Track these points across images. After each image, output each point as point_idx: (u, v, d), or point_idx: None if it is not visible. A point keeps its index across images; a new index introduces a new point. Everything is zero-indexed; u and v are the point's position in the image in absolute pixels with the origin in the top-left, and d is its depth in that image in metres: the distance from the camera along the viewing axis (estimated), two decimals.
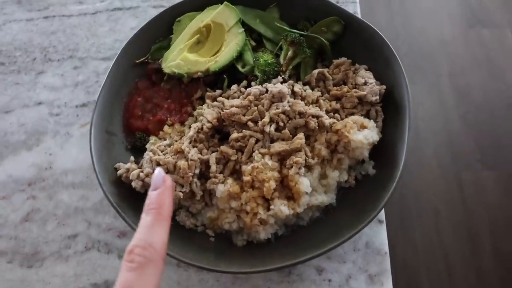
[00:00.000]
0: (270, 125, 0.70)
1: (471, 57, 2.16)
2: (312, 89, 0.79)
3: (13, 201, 0.83)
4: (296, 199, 0.67)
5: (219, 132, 0.75)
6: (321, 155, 0.71)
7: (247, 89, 0.75)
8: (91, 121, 0.75)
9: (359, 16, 0.93)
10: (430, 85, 2.09)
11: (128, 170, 0.72)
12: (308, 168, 0.71)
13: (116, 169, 0.73)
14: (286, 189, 0.69)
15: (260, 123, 0.70)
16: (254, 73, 0.80)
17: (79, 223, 0.80)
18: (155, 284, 0.43)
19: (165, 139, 0.78)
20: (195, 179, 0.69)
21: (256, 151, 0.69)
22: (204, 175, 0.71)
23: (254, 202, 0.67)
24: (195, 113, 0.80)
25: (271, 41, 0.85)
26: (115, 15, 1.06)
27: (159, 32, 0.87)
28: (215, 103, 0.76)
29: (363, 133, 0.71)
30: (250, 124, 0.71)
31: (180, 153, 0.70)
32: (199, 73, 0.81)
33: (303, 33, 0.82)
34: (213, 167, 0.69)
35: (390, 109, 0.75)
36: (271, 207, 0.66)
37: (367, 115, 0.77)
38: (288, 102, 0.72)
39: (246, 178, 0.67)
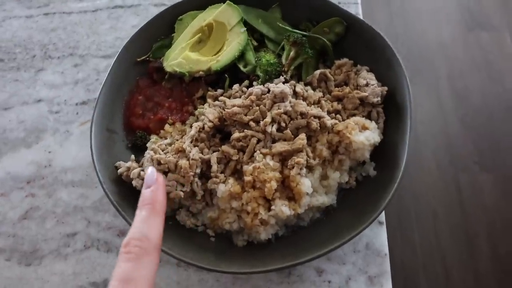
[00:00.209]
0: (272, 125, 0.70)
1: (470, 60, 2.17)
2: (314, 89, 0.79)
3: (12, 198, 0.83)
4: (297, 200, 0.67)
5: (220, 132, 0.75)
6: (323, 156, 0.71)
7: (249, 89, 0.75)
8: (91, 118, 0.75)
9: (361, 17, 0.93)
10: (429, 87, 2.10)
11: (128, 169, 0.71)
12: (309, 168, 0.71)
13: (117, 168, 0.73)
14: (287, 189, 0.69)
15: (262, 123, 0.70)
16: (256, 73, 0.80)
17: (79, 222, 0.80)
18: (152, 274, 0.44)
19: (166, 138, 0.77)
20: (196, 179, 0.69)
21: (258, 151, 0.69)
22: (205, 175, 0.71)
23: (255, 202, 0.67)
24: (196, 112, 0.79)
25: (273, 41, 0.85)
26: (116, 13, 1.06)
27: (160, 30, 0.86)
28: (216, 102, 0.76)
29: (365, 134, 0.71)
30: (252, 124, 0.71)
31: (181, 152, 0.70)
32: (200, 72, 0.80)
33: (305, 33, 0.82)
34: (214, 167, 0.69)
35: (391, 111, 0.76)
36: (272, 207, 0.66)
37: (368, 116, 0.77)
38: (290, 102, 0.72)
39: (247, 178, 0.67)
